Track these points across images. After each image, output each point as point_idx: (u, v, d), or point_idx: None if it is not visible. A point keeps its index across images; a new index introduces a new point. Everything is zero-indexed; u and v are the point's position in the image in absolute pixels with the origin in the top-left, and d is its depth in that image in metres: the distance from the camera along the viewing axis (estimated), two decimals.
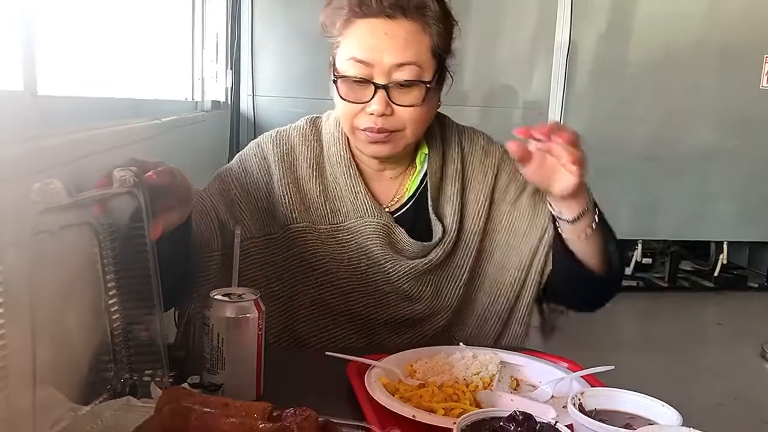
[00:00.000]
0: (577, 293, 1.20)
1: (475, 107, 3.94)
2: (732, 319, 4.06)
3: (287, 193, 1.14)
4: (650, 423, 0.76)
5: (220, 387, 0.84)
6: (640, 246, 4.35)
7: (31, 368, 0.55)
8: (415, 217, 1.18)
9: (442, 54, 1.11)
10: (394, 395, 0.86)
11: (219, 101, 3.17)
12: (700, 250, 4.50)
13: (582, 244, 1.10)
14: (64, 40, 1.04)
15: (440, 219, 1.17)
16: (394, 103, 1.06)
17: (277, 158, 1.16)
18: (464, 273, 1.18)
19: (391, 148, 1.11)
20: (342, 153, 1.15)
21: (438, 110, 1.18)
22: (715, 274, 4.41)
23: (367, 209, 1.14)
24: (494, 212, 1.20)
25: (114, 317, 0.79)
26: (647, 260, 4.43)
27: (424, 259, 1.14)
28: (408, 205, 1.18)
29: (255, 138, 1.23)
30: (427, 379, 0.93)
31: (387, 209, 1.17)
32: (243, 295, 0.87)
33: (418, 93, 1.07)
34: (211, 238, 1.08)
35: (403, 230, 1.14)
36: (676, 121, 4.10)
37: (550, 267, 1.17)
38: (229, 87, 3.55)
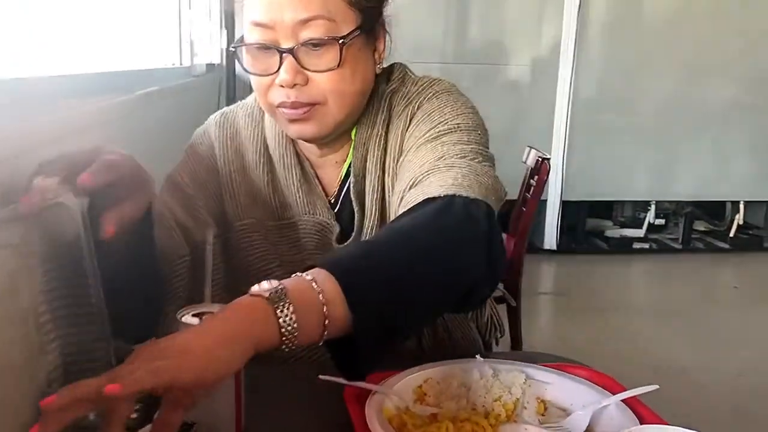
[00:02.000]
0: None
1: (480, 65, 3.76)
2: (749, 282, 3.95)
3: (231, 184, 0.98)
4: None
5: (192, 426, 0.71)
6: (653, 207, 4.23)
7: None
8: (350, 207, 0.98)
9: (363, 3, 0.89)
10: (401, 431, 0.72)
11: (213, 64, 3.01)
12: (714, 210, 4.37)
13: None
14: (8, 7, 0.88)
15: (362, 202, 0.97)
16: (305, 69, 0.87)
17: (220, 143, 0.99)
18: None
19: (316, 127, 0.90)
20: (277, 138, 0.98)
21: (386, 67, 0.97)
22: (731, 234, 4.29)
23: (301, 205, 0.98)
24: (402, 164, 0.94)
25: (50, 358, 0.65)
26: (660, 221, 4.31)
27: None
28: (344, 192, 0.99)
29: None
30: (440, 404, 0.79)
31: (331, 200, 1.00)
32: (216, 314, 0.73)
33: (334, 54, 0.86)
34: (176, 242, 0.92)
35: (338, 229, 0.97)
36: (693, 76, 3.92)
37: None
38: (224, 48, 3.38)
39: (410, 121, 0.95)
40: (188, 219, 0.95)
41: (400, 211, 0.83)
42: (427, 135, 0.92)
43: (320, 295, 0.62)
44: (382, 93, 0.98)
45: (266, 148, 0.99)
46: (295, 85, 0.87)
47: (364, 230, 0.97)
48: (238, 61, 0.90)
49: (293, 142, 0.98)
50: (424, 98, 0.96)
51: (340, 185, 1.00)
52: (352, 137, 0.97)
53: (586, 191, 4.03)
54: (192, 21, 2.55)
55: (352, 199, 0.97)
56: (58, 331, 0.64)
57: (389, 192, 0.96)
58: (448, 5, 3.60)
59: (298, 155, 0.99)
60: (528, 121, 3.70)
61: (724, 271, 4.20)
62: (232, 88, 3.54)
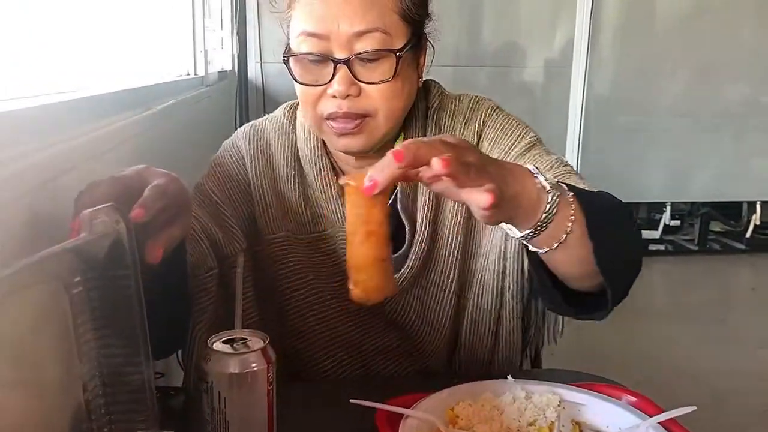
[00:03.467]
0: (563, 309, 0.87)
1: (493, 67, 3.74)
2: (767, 282, 3.90)
3: (263, 197, 0.97)
4: None
5: None
6: (668, 208, 4.19)
7: None
8: (398, 221, 0.98)
9: (415, 17, 0.90)
10: None
11: (225, 71, 3.01)
12: (731, 210, 4.33)
13: (554, 255, 0.72)
14: (15, 31, 0.87)
15: (413, 218, 0.97)
16: (359, 80, 0.87)
17: (250, 156, 0.99)
18: (451, 279, 0.98)
19: (365, 140, 0.91)
20: (313, 150, 0.97)
21: (431, 80, 0.99)
22: (748, 235, 4.24)
23: (338, 216, 0.97)
24: None
25: (92, 383, 0.64)
26: (675, 222, 4.27)
27: (397, 274, 0.95)
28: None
29: (265, 108, 1.05)
30: (473, 427, 0.78)
31: None
32: (248, 342, 0.71)
33: (388, 66, 0.87)
34: (204, 254, 0.91)
35: None
36: (707, 75, 3.88)
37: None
38: (236, 55, 3.37)
39: (479, 138, 0.98)
40: (217, 231, 0.94)
41: None
42: (517, 149, 0.95)
43: (571, 206, 0.69)
44: (425, 109, 0.99)
45: (297, 160, 0.99)
46: (347, 96, 0.87)
47: (415, 242, 0.96)
48: (289, 70, 0.89)
49: (328, 153, 0.98)
50: (486, 115, 0.99)
51: None
52: None
53: None
54: (205, 29, 2.54)
55: (400, 213, 0.96)
56: (100, 350, 0.63)
57: (442, 207, 0.97)
58: (461, 8, 3.58)
59: (333, 167, 0.98)
60: (542, 123, 3.65)
61: (740, 272, 4.16)
62: (244, 93, 3.54)
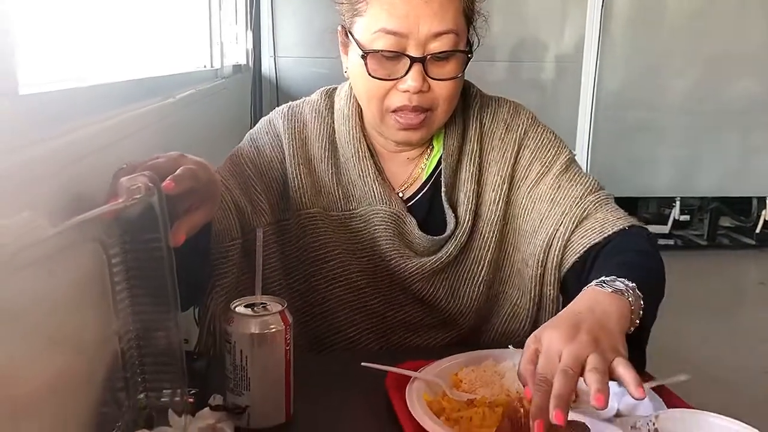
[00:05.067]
0: None
1: (503, 62, 3.77)
2: None
3: (298, 174, 1.03)
4: None
5: (245, 410, 0.76)
6: (678, 203, 4.21)
7: (11, 415, 0.46)
8: (431, 206, 1.05)
9: (472, 19, 0.98)
10: (439, 416, 0.76)
11: (240, 65, 3.06)
12: (740, 205, 4.34)
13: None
14: (47, 20, 0.93)
15: (454, 208, 1.04)
16: (430, 77, 0.94)
17: (288, 135, 1.05)
18: (483, 269, 1.04)
19: (424, 133, 1.00)
20: (352, 132, 1.04)
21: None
22: (757, 230, 4.26)
23: (375, 196, 1.03)
24: (514, 196, 1.06)
25: (125, 338, 0.71)
26: (685, 217, 4.28)
27: (434, 256, 1.02)
28: (423, 191, 1.06)
29: (278, 101, 1.11)
30: (475, 390, 0.83)
31: (400, 195, 1.05)
32: (268, 306, 0.77)
33: (456, 65, 0.95)
34: (230, 224, 0.97)
35: (414, 221, 1.02)
36: (717, 71, 3.90)
37: (570, 262, 1.01)
38: (250, 49, 3.43)
39: (519, 147, 1.06)
40: (246, 203, 1.00)
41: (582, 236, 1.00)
42: (558, 165, 1.05)
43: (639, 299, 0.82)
44: (466, 107, 1.07)
45: (332, 142, 1.05)
46: (419, 91, 0.94)
47: (457, 232, 1.03)
48: (365, 64, 0.94)
49: (366, 137, 1.04)
50: (526, 124, 1.07)
51: (414, 183, 1.06)
52: (434, 144, 1.06)
53: (611, 188, 3.99)
54: (221, 22, 2.60)
55: (445, 205, 1.03)
56: (134, 307, 0.69)
57: (481, 203, 1.05)
58: None
59: (370, 148, 1.04)
60: (552, 118, 3.69)
61: (750, 267, 4.18)
62: (258, 88, 3.60)
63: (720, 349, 2.83)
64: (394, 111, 0.96)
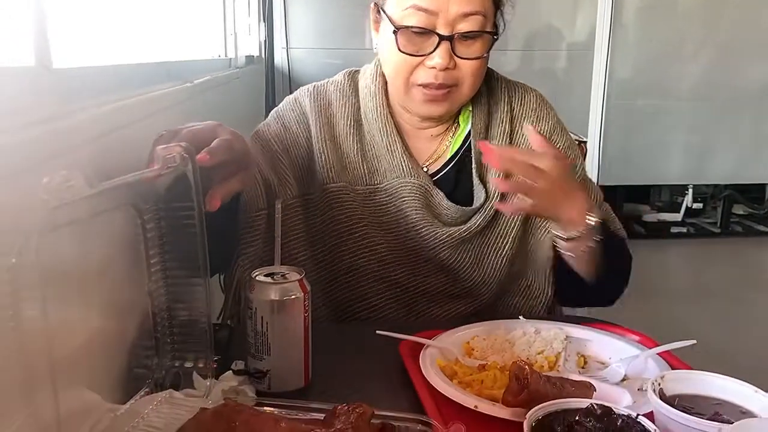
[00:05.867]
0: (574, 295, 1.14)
1: (515, 51, 3.77)
2: None
3: (324, 151, 1.07)
4: (742, 411, 0.69)
5: (266, 373, 0.79)
6: (690, 191, 4.19)
7: (50, 373, 0.49)
8: (457, 180, 1.10)
9: (499, 3, 1.03)
10: (452, 379, 0.79)
11: (252, 56, 3.09)
12: (754, 193, 4.32)
13: (575, 260, 1.02)
14: (79, 3, 0.96)
15: (483, 183, 1.08)
16: (456, 55, 0.99)
17: (314, 113, 1.09)
18: (507, 243, 1.09)
19: (448, 107, 1.04)
20: (379, 108, 1.08)
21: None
22: None
23: (404, 169, 1.07)
24: None
25: (157, 301, 0.74)
26: (698, 205, 4.26)
27: (462, 226, 1.06)
28: (449, 167, 1.10)
29: (291, 92, 1.15)
30: (487, 358, 0.86)
31: (425, 169, 1.09)
32: (287, 275, 0.81)
33: (482, 45, 1.00)
34: (257, 194, 1.01)
35: (441, 193, 1.07)
36: (730, 58, 3.88)
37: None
38: (263, 41, 3.46)
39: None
40: (272, 175, 1.04)
41: None
42: (577, 172, 1.11)
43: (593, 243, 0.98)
44: (492, 89, 1.12)
45: (357, 120, 1.09)
46: (445, 69, 0.98)
47: (486, 205, 1.07)
48: (396, 40, 0.99)
49: (392, 114, 1.08)
50: (554, 121, 1.14)
51: (438, 160, 1.11)
52: (460, 122, 1.11)
53: (623, 175, 4.03)
54: (235, 12, 2.63)
55: (475, 180, 1.08)
56: (166, 271, 0.72)
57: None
58: None
59: (397, 124, 1.09)
60: (564, 106, 3.69)
61: (763, 254, 4.16)
62: (271, 80, 3.63)
63: (734, 337, 2.84)
64: (420, 85, 1.00)
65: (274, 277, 0.80)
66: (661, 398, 0.68)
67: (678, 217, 4.24)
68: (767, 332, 2.92)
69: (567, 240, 0.99)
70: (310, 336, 0.80)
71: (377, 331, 0.87)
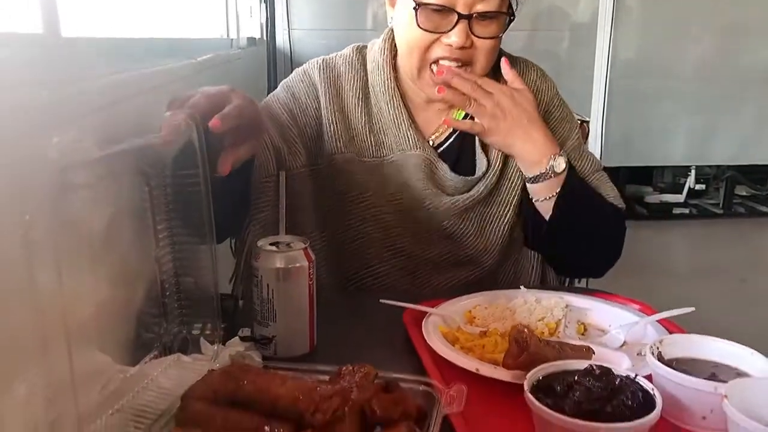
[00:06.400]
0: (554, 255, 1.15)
1: (520, 31, 3.75)
2: None
3: (333, 122, 1.09)
4: (738, 372, 0.70)
5: (272, 340, 0.81)
6: (693, 172, 4.19)
7: (64, 332, 0.51)
8: (460, 152, 1.12)
9: None
10: (454, 345, 0.81)
11: (254, 38, 3.09)
12: (756, 174, 4.31)
13: (542, 205, 1.05)
14: None
15: (485, 153, 1.11)
16: (473, 34, 1.00)
17: (324, 84, 1.11)
18: (509, 210, 1.11)
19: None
20: (386, 82, 1.09)
21: None
22: None
23: (409, 141, 1.09)
24: None
25: (164, 268, 0.75)
26: (700, 186, 4.26)
27: (466, 194, 1.09)
28: (452, 138, 1.12)
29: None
30: (488, 325, 0.88)
31: (431, 142, 1.11)
32: (291, 244, 0.82)
33: (499, 25, 1.02)
34: (267, 159, 1.02)
35: (445, 165, 1.09)
36: (733, 38, 3.86)
37: None
38: (264, 22, 3.45)
39: (545, 113, 1.12)
40: (282, 143, 1.06)
41: None
42: (572, 142, 1.13)
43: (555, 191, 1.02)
44: (502, 56, 1.11)
45: (365, 94, 1.11)
46: (462, 47, 1.00)
47: (488, 173, 1.10)
48: (415, 15, 1.00)
49: (399, 87, 1.10)
50: (552, 94, 1.16)
51: (444, 132, 1.12)
52: None
53: (626, 157, 4.03)
54: None
55: (478, 150, 1.10)
56: (173, 237, 0.74)
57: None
58: None
59: (404, 97, 1.10)
60: (567, 87, 3.69)
61: (766, 235, 4.16)
62: (273, 62, 3.63)
63: (737, 318, 2.85)
64: (435, 62, 1.02)
65: (279, 246, 0.81)
66: (659, 361, 0.69)
67: (681, 198, 4.24)
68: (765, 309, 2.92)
69: (532, 181, 1.03)
70: (315, 303, 0.82)
71: (381, 300, 0.89)
